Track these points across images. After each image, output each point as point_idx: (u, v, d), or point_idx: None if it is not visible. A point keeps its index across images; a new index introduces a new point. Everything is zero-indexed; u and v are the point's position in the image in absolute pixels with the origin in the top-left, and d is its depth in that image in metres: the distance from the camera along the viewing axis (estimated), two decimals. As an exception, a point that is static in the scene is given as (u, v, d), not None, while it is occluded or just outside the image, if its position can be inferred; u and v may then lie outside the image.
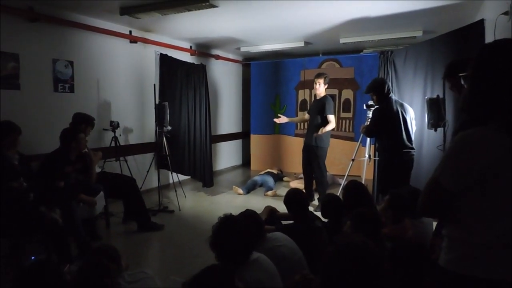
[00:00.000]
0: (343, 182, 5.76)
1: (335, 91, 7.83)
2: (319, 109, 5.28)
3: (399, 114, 3.71)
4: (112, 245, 2.32)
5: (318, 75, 5.33)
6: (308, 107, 6.15)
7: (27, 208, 3.30)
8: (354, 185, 3.15)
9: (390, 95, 3.81)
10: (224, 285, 1.50)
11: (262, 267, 2.02)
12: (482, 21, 3.79)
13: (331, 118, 5.19)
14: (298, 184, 6.28)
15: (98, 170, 4.56)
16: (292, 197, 3.05)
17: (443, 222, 1.46)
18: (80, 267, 1.86)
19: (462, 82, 1.91)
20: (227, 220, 2.06)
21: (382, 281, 1.30)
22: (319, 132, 5.15)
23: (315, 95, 5.52)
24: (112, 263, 1.97)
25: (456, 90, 2.52)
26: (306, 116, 5.77)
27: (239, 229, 2.00)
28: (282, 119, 5.92)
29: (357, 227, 2.33)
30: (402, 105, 3.80)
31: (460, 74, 1.85)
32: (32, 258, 3.32)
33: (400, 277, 1.83)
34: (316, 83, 5.30)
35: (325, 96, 5.31)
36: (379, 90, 3.89)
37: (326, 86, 5.32)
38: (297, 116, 8.14)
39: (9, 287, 1.74)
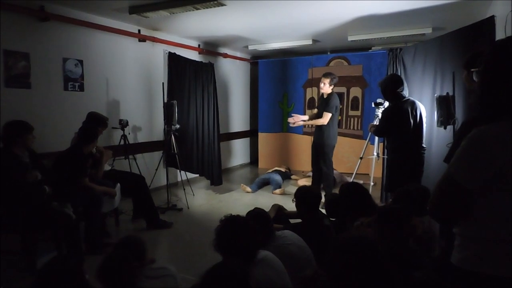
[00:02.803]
0: (351, 180, 5.75)
1: (343, 89, 7.80)
2: (326, 107, 5.33)
3: (409, 114, 3.67)
4: (140, 238, 2.26)
5: (325, 75, 5.38)
6: (316, 105, 6.13)
7: (40, 204, 3.35)
8: (347, 188, 3.05)
9: (399, 95, 3.76)
10: (238, 282, 1.50)
11: (270, 265, 2.03)
12: (492, 18, 3.74)
13: (326, 114, 5.25)
14: (306, 182, 6.27)
15: (108, 168, 4.62)
16: (304, 195, 3.03)
17: (455, 220, 1.43)
18: (104, 259, 1.88)
19: (474, 78, 1.88)
20: (229, 221, 2.06)
21: (385, 274, 1.29)
22: (306, 121, 5.41)
23: (322, 94, 5.52)
24: (136, 260, 1.97)
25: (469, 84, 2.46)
26: (315, 111, 5.81)
27: (241, 229, 2.00)
28: (297, 119, 5.65)
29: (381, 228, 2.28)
30: (413, 103, 3.76)
31: (472, 70, 1.83)
32: (44, 255, 3.37)
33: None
34: (321, 82, 5.36)
35: (331, 94, 5.37)
36: (385, 88, 3.86)
37: (332, 87, 5.35)
38: (305, 114, 8.14)
39: (24, 282, 1.77)
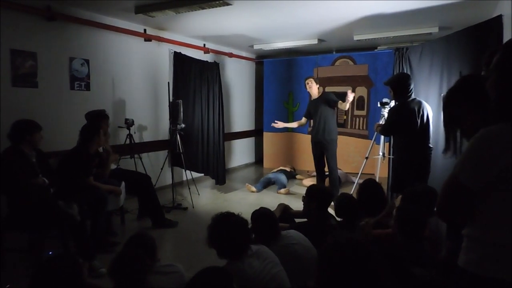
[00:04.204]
0: (356, 180, 5.73)
1: (348, 89, 7.72)
2: (328, 103, 5.46)
3: (415, 113, 3.65)
4: (150, 235, 2.31)
5: (307, 78, 5.65)
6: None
7: (46, 203, 3.37)
8: (370, 184, 3.13)
9: (409, 93, 3.75)
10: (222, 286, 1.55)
11: (263, 257, 2.08)
12: (500, 17, 3.70)
13: (340, 102, 5.37)
14: (311, 182, 6.26)
15: (113, 167, 4.64)
16: (317, 192, 3.02)
17: (463, 221, 1.42)
18: (117, 256, 1.89)
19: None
20: (219, 218, 2.14)
21: (374, 277, 1.29)
22: (346, 105, 5.27)
23: (311, 98, 5.70)
24: (148, 257, 2.00)
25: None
26: (303, 120, 5.93)
27: (232, 226, 2.07)
28: (279, 124, 6.00)
29: (401, 227, 2.33)
30: (420, 103, 3.74)
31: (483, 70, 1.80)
32: (50, 253, 3.39)
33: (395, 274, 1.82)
34: (307, 84, 5.57)
35: (324, 92, 5.67)
36: (397, 86, 3.83)
37: (318, 85, 5.55)
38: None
39: (28, 281, 1.78)
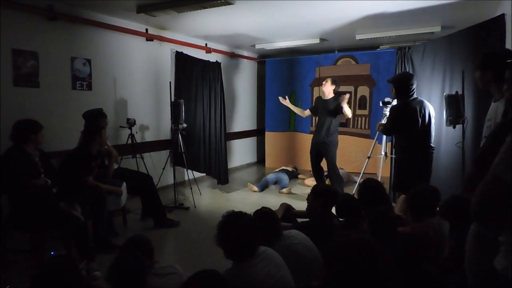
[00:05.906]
0: (358, 179, 5.72)
1: (350, 88, 7.76)
2: (335, 109, 5.38)
3: (417, 112, 3.64)
4: (147, 237, 2.31)
5: (329, 77, 5.61)
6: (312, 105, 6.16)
7: (49, 203, 3.37)
8: (370, 183, 3.13)
9: (411, 93, 3.73)
10: None
11: (268, 259, 2.05)
12: (502, 16, 3.69)
13: (349, 109, 5.37)
14: (313, 181, 6.24)
15: (115, 166, 4.64)
16: (323, 191, 3.00)
17: (505, 226, 1.29)
18: (115, 260, 1.88)
19: (507, 74, 1.78)
20: (231, 217, 2.08)
21: (383, 277, 1.27)
22: (344, 102, 5.28)
23: (319, 97, 5.63)
24: (147, 259, 1.99)
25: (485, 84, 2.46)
26: (307, 112, 5.99)
27: (243, 226, 2.03)
28: (287, 102, 5.97)
29: (373, 228, 2.31)
30: (422, 102, 3.73)
31: (508, 61, 1.72)
32: (52, 253, 3.39)
33: (400, 273, 1.80)
34: (325, 81, 5.53)
35: (335, 97, 5.49)
36: (399, 85, 3.82)
37: (333, 88, 5.48)
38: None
39: (28, 281, 1.79)
